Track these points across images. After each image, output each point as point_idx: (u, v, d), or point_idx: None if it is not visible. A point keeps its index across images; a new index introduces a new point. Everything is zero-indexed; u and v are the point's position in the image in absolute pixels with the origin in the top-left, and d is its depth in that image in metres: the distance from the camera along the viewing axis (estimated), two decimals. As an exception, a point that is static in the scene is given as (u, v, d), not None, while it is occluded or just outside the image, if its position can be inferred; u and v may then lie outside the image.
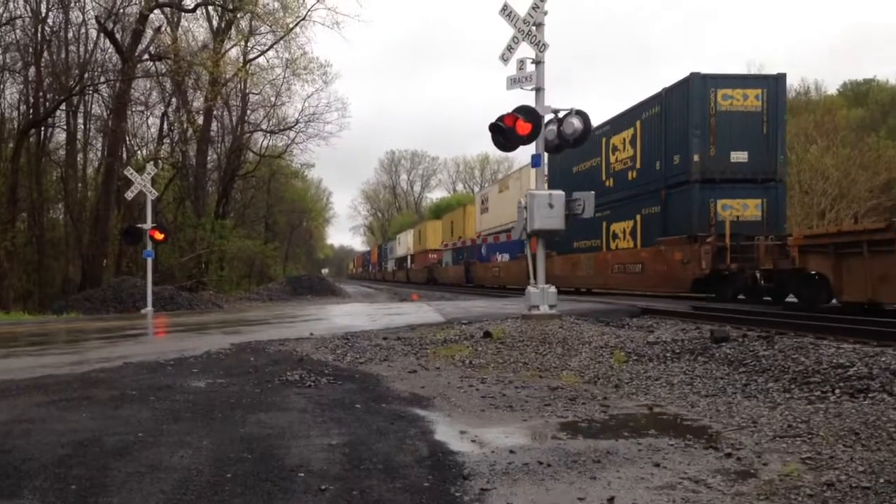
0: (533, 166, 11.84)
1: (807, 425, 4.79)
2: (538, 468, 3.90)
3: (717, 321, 11.70)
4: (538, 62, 11.10)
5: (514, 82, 11.30)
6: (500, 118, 10.98)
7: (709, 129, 17.44)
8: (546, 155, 11.85)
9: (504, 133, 10.93)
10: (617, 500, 3.39)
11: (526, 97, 11.28)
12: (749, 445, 4.36)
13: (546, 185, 11.87)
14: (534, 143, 11.19)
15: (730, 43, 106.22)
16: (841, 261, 12.29)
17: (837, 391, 5.73)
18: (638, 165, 20.50)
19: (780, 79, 18.00)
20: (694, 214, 17.46)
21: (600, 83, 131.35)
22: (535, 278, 11.22)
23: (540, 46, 11.00)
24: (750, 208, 17.39)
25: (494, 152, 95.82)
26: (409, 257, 61.77)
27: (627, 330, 11.15)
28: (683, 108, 17.88)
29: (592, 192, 11.53)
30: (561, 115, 11.27)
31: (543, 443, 4.55)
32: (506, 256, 32.92)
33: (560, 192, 11.19)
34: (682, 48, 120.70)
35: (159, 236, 19.75)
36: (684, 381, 6.71)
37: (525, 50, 11.16)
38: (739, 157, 17.49)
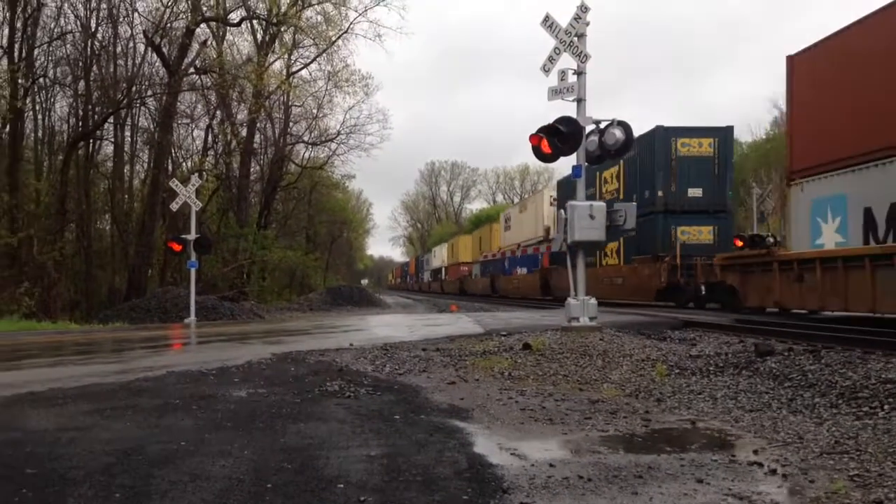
0: (574, 177, 11.78)
1: (855, 441, 4.68)
2: (578, 482, 3.85)
3: (761, 334, 11.49)
4: (580, 73, 11.06)
5: (555, 93, 11.26)
6: (540, 129, 10.95)
7: (671, 171, 21.97)
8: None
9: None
10: (659, 516, 3.34)
11: (567, 108, 11.25)
12: (795, 462, 4.27)
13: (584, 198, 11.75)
14: (575, 154, 11.13)
15: (770, 56, 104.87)
16: (745, 276, 16.82)
17: (887, 406, 5.58)
18: (621, 196, 24.17)
19: (728, 130, 22.57)
20: (658, 238, 21.82)
21: (646, 94, 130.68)
22: (574, 290, 11.14)
23: (581, 57, 10.96)
24: (704, 234, 21.89)
25: (534, 163, 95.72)
26: (443, 269, 65.95)
27: (669, 343, 11.01)
28: (651, 154, 22.08)
29: (634, 204, 11.44)
30: (602, 125, 11.20)
31: (583, 457, 4.50)
32: (524, 270, 36.54)
33: (601, 204, 11.11)
34: (723, 60, 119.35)
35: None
36: (728, 395, 6.60)
37: (567, 61, 11.14)
38: (695, 192, 21.96)
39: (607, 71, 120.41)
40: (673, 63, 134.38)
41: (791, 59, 15.26)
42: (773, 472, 4.04)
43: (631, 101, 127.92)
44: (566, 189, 27.44)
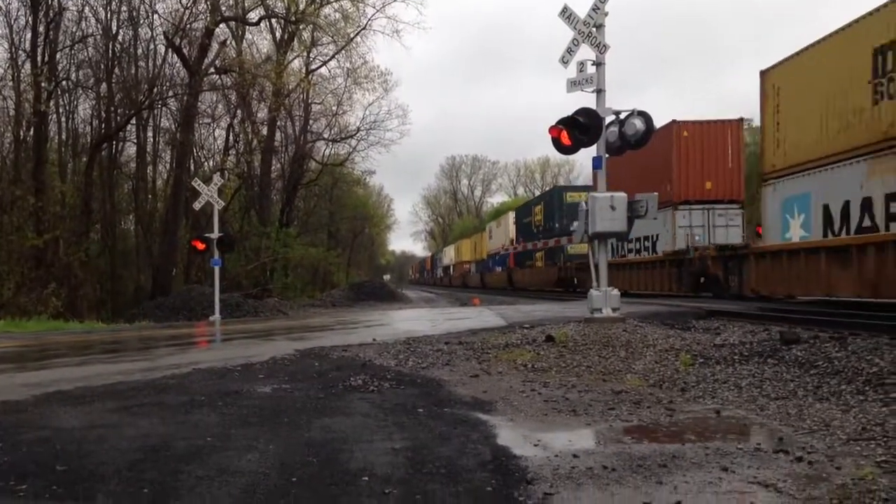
0: (594, 168, 11.69)
1: (882, 428, 4.63)
2: (603, 472, 3.85)
3: (786, 323, 11.39)
4: (599, 64, 10.98)
5: (574, 84, 11.20)
6: (560, 121, 10.91)
7: (562, 211, 34.08)
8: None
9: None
10: (684, 505, 3.33)
11: (587, 100, 11.18)
12: (821, 449, 4.24)
13: (605, 189, 11.69)
14: (595, 146, 11.08)
15: (797, 42, 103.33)
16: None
17: (915, 393, 5.52)
18: (542, 224, 37.85)
19: (590, 188, 25.97)
20: (559, 252, 34.91)
21: (671, 83, 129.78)
22: (596, 281, 11.10)
23: (600, 48, 10.88)
24: (584, 248, 26.66)
25: (555, 155, 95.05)
26: (451, 266, 77.85)
27: (693, 332, 10.94)
28: (553, 202, 36.35)
29: (656, 194, 11.36)
30: (623, 116, 11.12)
31: (608, 447, 4.49)
32: (499, 268, 50.56)
33: (622, 194, 11.04)
34: (750, 50, 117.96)
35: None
36: (753, 383, 6.56)
37: (586, 52, 11.06)
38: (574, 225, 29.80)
39: (631, 61, 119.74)
40: (697, 50, 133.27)
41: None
42: (799, 459, 4.01)
43: (655, 91, 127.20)
44: (523, 212, 44.35)
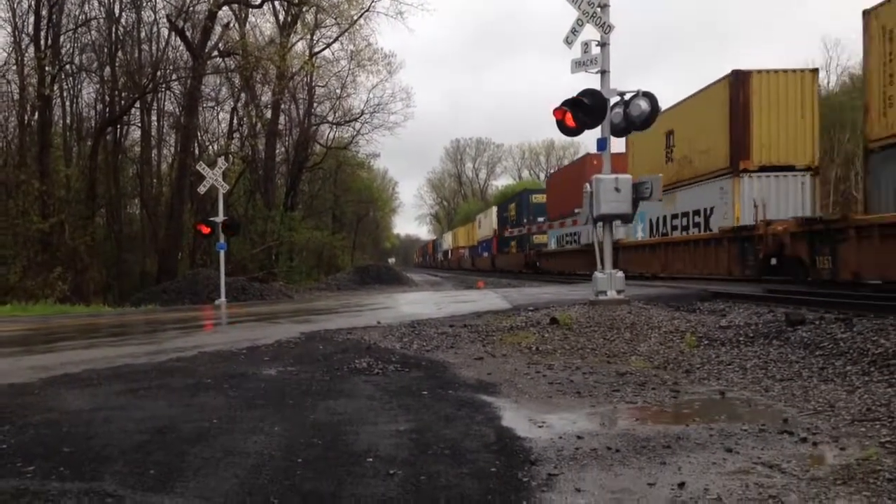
0: (598, 150, 11.65)
1: (887, 409, 4.63)
2: (607, 454, 3.86)
3: (792, 304, 11.36)
4: (603, 44, 10.92)
5: (578, 65, 11.13)
6: (564, 102, 10.86)
7: (530, 209, 42.20)
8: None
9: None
10: (688, 485, 3.33)
11: (592, 81, 11.13)
12: (826, 430, 4.24)
13: (610, 171, 11.64)
14: (600, 127, 11.04)
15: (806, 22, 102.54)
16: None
17: (921, 374, 5.51)
18: (515, 220, 46.24)
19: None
20: (526, 241, 42.10)
21: (680, 63, 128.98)
22: (601, 264, 11.09)
23: (605, 28, 10.82)
24: (543, 238, 37.96)
25: (560, 137, 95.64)
26: (449, 251, 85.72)
27: (698, 314, 10.93)
28: (520, 201, 44.74)
29: (660, 175, 11.32)
30: (627, 97, 11.06)
31: (612, 428, 4.50)
32: (486, 254, 57.42)
33: (627, 176, 11.03)
34: (758, 30, 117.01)
35: (206, 230, 20.04)
36: (758, 365, 6.56)
37: (590, 33, 11.00)
38: (540, 219, 39.83)
39: (640, 41, 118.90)
40: (706, 30, 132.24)
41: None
42: (804, 440, 4.02)
43: (664, 71, 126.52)
44: (502, 209, 52.21)
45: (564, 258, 32.52)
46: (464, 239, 73.57)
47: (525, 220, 42.07)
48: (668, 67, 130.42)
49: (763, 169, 17.89)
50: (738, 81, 17.80)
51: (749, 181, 17.89)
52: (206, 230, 19.94)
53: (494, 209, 56.31)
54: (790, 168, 18.11)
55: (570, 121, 10.85)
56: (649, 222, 23.25)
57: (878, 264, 12.42)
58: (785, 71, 18.31)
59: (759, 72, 18.02)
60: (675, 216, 21.46)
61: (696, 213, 20.31)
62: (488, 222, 56.68)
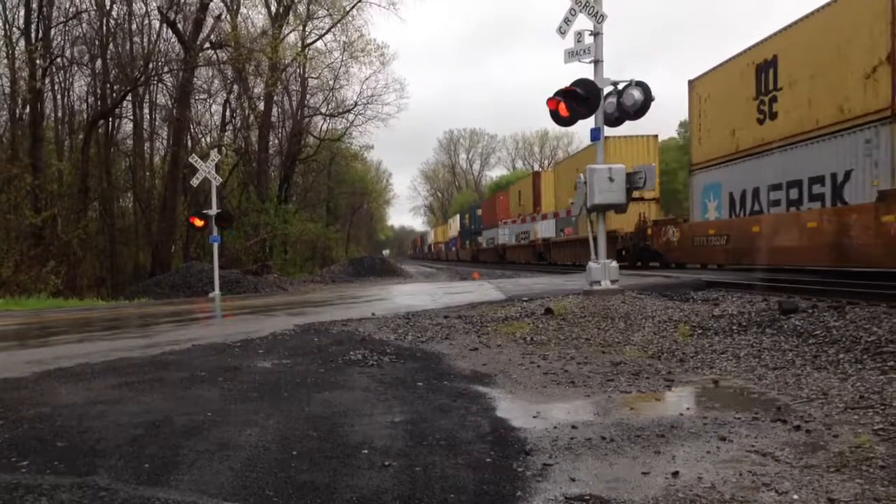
0: (592, 140, 11.65)
1: (880, 396, 4.65)
2: (601, 443, 3.87)
3: (785, 293, 11.40)
4: (596, 34, 10.89)
5: (571, 55, 11.11)
6: (558, 92, 10.85)
7: (475, 220, 59.17)
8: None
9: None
10: (682, 474, 3.34)
11: (586, 71, 11.11)
12: (819, 417, 4.25)
13: (603, 161, 11.64)
14: (593, 117, 11.03)
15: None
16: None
17: (913, 361, 5.53)
18: (483, 221, 56.56)
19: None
20: (472, 237, 61.00)
21: (680, 55, 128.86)
22: (595, 254, 11.10)
23: (598, 17, 10.79)
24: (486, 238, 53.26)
25: (554, 128, 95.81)
26: (431, 245, 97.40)
27: (692, 303, 10.95)
28: (472, 214, 61.58)
29: (653, 165, 11.32)
30: (621, 86, 11.05)
31: (606, 418, 4.51)
32: (453, 248, 71.83)
33: (620, 166, 11.02)
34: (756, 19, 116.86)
35: (199, 223, 19.99)
36: (751, 353, 6.58)
37: (584, 22, 10.97)
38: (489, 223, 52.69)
39: (640, 31, 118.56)
40: (707, 22, 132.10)
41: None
42: (797, 428, 4.03)
43: (664, 62, 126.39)
44: (462, 216, 66.47)
45: (489, 253, 51.35)
46: (441, 236, 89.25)
47: (473, 226, 58.44)
48: (668, 54, 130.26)
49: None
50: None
51: None
52: (199, 223, 19.91)
53: (458, 217, 73.34)
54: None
55: (563, 111, 10.85)
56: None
57: None
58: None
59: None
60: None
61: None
62: (455, 225, 73.68)
